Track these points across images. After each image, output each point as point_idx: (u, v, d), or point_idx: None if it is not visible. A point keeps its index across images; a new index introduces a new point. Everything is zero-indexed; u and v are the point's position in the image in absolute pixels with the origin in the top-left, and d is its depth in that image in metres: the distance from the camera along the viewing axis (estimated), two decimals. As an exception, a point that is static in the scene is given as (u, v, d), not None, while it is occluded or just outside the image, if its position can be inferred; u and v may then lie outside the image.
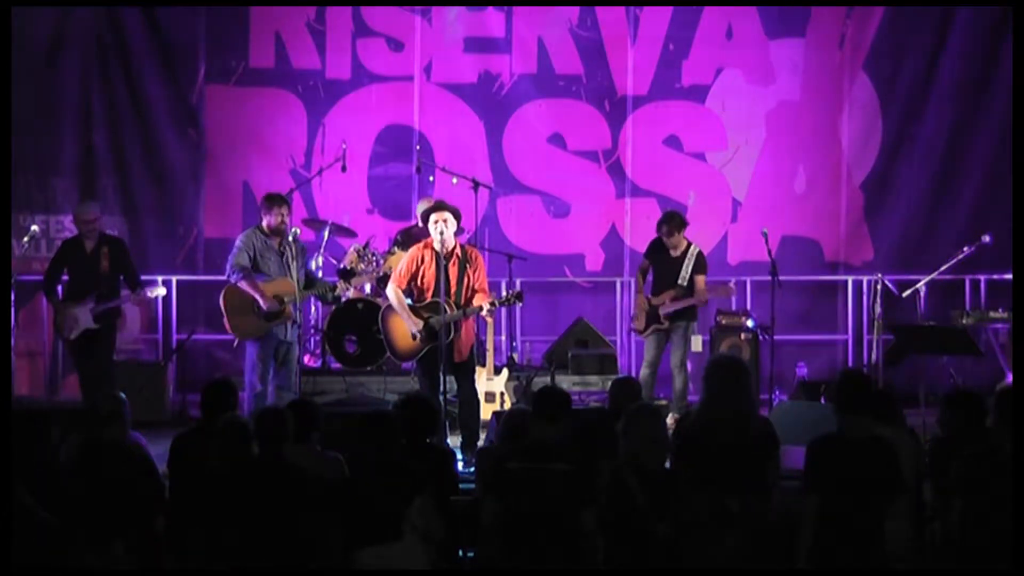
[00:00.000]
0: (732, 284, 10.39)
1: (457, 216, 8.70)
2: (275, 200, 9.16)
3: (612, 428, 6.28)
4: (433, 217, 8.63)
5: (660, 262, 9.99)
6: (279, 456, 5.85)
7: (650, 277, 10.11)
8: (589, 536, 5.87)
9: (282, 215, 9.07)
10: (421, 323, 8.62)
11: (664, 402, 9.91)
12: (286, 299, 8.93)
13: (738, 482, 5.78)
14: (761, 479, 5.87)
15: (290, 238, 9.01)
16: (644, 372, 9.90)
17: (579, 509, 5.85)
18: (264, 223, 9.09)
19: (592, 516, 5.88)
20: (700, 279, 9.87)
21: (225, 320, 9.08)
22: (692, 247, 9.94)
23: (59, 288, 9.76)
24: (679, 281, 9.83)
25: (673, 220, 9.96)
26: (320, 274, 10.67)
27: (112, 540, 5.87)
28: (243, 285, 8.95)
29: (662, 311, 9.85)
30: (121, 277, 9.70)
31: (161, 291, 9.97)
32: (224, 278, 9.15)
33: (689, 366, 9.90)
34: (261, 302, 8.92)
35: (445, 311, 8.46)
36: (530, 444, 6.11)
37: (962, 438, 6.11)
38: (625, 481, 5.84)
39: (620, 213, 12.07)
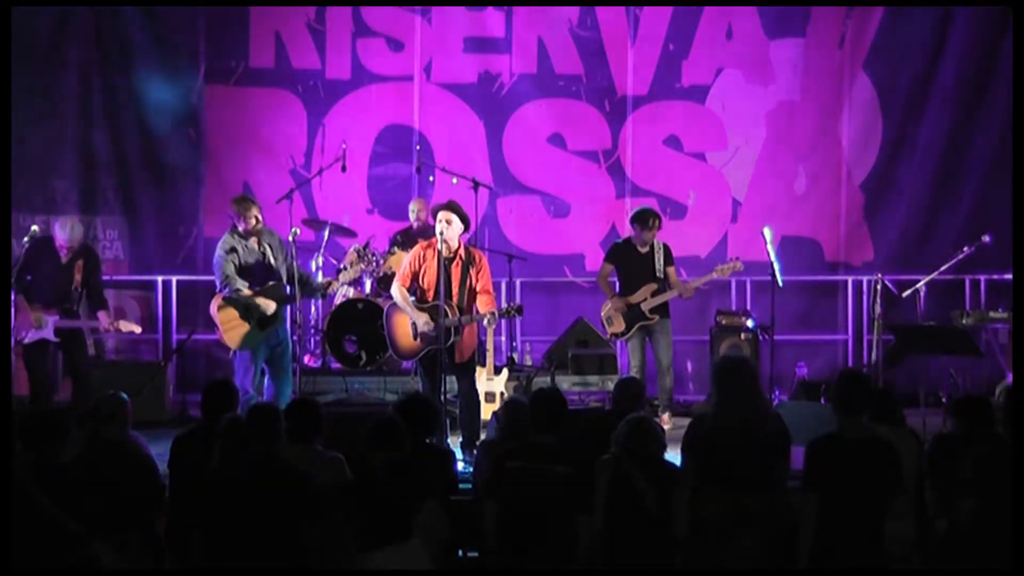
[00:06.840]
0: (712, 275, 10.26)
1: (464, 219, 8.63)
2: (245, 203, 8.99)
3: (614, 429, 6.28)
4: (439, 216, 8.61)
5: (628, 261, 10.09)
6: (272, 454, 5.83)
7: (612, 279, 10.21)
8: (584, 543, 5.88)
9: (256, 216, 8.97)
10: (425, 315, 8.55)
11: (656, 403, 9.95)
12: (278, 303, 8.88)
13: (756, 481, 5.80)
14: (775, 476, 5.89)
15: (278, 239, 8.95)
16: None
17: (575, 513, 5.88)
18: (240, 227, 8.92)
19: (587, 524, 5.90)
20: (672, 271, 10.04)
21: (220, 332, 8.92)
22: (657, 241, 10.00)
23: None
24: (656, 275, 9.95)
25: (657, 215, 10.07)
26: (320, 275, 10.66)
27: (112, 540, 5.86)
28: (243, 295, 8.84)
29: (645, 306, 9.88)
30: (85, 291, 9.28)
31: (135, 328, 9.49)
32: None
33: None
34: (264, 308, 8.83)
35: (445, 313, 8.42)
36: (529, 446, 6.13)
37: (969, 439, 6.11)
38: (627, 471, 5.86)
39: (620, 213, 12.03)
